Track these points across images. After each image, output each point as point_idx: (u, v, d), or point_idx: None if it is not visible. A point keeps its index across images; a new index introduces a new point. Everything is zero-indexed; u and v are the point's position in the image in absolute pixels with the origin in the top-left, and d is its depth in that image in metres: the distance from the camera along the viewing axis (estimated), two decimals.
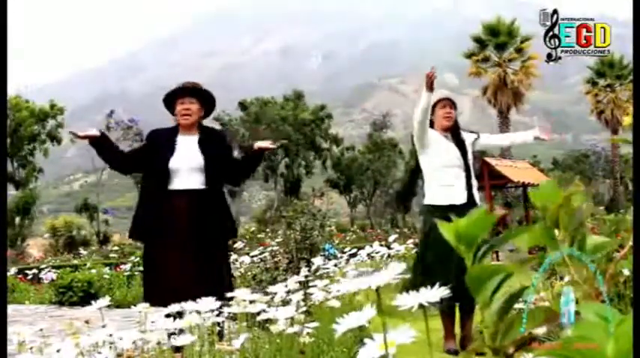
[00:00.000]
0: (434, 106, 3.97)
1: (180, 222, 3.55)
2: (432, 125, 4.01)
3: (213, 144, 3.76)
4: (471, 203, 3.79)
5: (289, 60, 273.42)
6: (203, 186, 3.63)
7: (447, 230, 0.77)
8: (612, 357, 0.51)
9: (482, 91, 25.98)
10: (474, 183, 4.01)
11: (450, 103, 4.04)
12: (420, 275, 3.79)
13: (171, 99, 3.83)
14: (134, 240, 4.01)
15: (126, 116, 33.40)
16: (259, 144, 3.81)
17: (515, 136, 4.15)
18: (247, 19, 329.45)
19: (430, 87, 3.64)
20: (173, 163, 3.62)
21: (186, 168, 3.63)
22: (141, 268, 9.86)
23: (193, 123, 3.77)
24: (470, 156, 4.02)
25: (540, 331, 0.69)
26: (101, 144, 3.77)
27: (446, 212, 3.84)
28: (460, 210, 3.51)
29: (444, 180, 3.92)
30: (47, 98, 34.44)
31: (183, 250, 3.52)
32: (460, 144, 3.99)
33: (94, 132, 3.75)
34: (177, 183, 3.62)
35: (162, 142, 3.75)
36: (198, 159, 3.65)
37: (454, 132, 4.03)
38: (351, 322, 0.94)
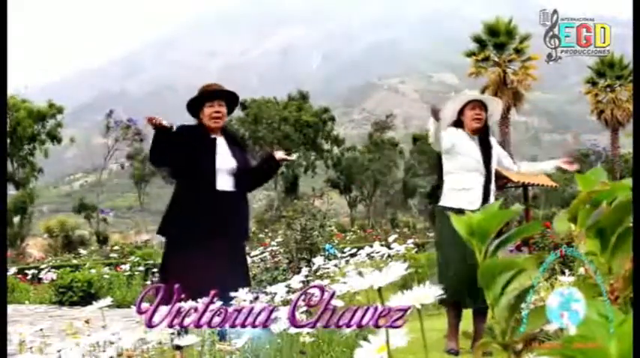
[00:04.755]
0: (464, 107, 3.92)
1: (217, 223, 3.57)
2: (461, 125, 3.92)
3: (238, 147, 3.83)
4: None
5: (289, 60, 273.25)
6: (234, 189, 3.68)
7: (460, 224, 0.76)
8: (615, 356, 0.50)
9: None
10: (493, 188, 3.89)
11: (481, 105, 3.91)
12: (438, 276, 3.79)
13: (198, 103, 3.78)
14: (163, 236, 3.85)
15: (125, 116, 33.45)
16: (280, 155, 3.86)
17: (530, 166, 4.23)
18: (247, 19, 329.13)
19: (436, 116, 3.53)
20: (218, 164, 3.66)
21: (223, 169, 3.66)
22: (140, 268, 9.92)
23: (222, 126, 3.80)
24: (494, 161, 3.92)
25: (551, 328, 0.68)
26: (165, 135, 3.61)
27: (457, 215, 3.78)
28: None
29: (460, 184, 3.82)
30: (47, 98, 34.36)
31: (213, 250, 3.53)
32: (486, 149, 3.88)
33: (168, 123, 3.60)
34: (219, 184, 3.64)
35: (199, 141, 3.69)
36: (231, 162, 3.69)
37: (483, 134, 3.92)
38: None
